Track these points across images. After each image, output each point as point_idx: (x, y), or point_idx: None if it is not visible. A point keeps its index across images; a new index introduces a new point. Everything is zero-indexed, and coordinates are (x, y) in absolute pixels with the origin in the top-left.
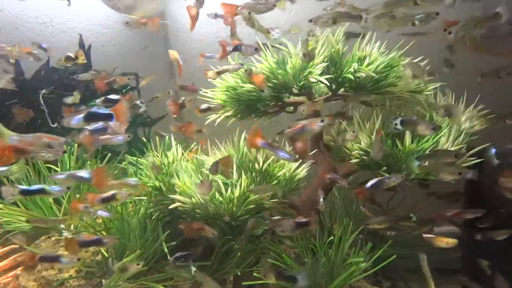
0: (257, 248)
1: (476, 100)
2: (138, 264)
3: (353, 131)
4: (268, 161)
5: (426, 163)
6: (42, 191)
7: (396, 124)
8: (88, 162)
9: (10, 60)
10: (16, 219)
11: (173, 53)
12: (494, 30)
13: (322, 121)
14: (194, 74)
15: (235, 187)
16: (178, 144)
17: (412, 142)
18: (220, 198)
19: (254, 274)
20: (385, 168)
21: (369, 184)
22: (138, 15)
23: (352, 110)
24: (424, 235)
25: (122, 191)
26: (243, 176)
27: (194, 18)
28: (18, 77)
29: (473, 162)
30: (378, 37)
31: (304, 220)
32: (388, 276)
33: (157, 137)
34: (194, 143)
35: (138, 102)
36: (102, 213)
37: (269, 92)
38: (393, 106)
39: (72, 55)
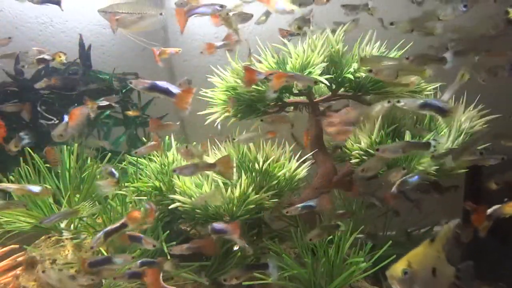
0: (257, 248)
1: (476, 100)
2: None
3: None
4: (268, 161)
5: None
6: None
7: None
8: (89, 161)
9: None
10: (16, 219)
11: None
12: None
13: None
14: (194, 74)
15: (235, 187)
16: (178, 144)
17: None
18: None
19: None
20: (385, 168)
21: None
22: (135, 30)
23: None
24: (492, 209)
25: None
26: (243, 176)
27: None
28: (18, 77)
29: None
30: (378, 37)
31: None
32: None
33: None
34: (194, 143)
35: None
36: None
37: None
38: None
39: (47, 57)
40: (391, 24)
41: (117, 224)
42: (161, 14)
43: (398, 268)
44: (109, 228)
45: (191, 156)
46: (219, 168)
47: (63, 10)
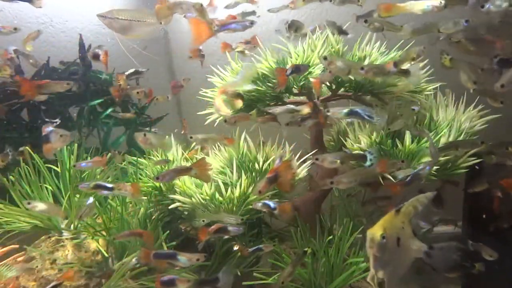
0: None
1: (476, 100)
2: None
3: None
4: (268, 161)
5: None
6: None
7: None
8: None
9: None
10: (16, 219)
11: None
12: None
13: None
14: (194, 74)
15: (235, 187)
16: (178, 144)
17: (412, 142)
18: (220, 198)
19: (254, 274)
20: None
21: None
22: (133, 37)
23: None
24: None
25: None
26: (243, 176)
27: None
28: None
29: (473, 162)
30: (378, 37)
31: None
32: None
33: None
34: (194, 143)
35: None
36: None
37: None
38: (393, 106)
39: None
40: (365, 21)
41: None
42: (161, 22)
43: (377, 232)
44: None
45: (150, 144)
46: (196, 171)
47: (41, 7)
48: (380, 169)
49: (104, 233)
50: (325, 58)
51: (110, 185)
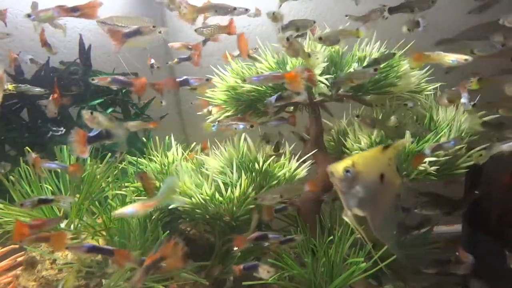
0: (257, 248)
1: (476, 100)
2: None
3: None
4: (268, 161)
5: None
6: None
7: None
8: (88, 161)
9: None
10: (16, 219)
11: None
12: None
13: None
14: (193, 74)
15: (235, 187)
16: (178, 144)
17: (412, 142)
18: (220, 198)
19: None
20: None
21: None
22: (132, 44)
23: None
24: None
25: None
26: (243, 176)
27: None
28: (18, 77)
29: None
30: (378, 37)
31: None
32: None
33: (157, 137)
34: (194, 143)
35: None
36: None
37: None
38: (393, 106)
39: None
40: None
41: None
42: (160, 32)
43: (340, 166)
44: None
45: (99, 125)
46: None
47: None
48: (310, 189)
49: (104, 233)
50: (287, 39)
51: (51, 198)
